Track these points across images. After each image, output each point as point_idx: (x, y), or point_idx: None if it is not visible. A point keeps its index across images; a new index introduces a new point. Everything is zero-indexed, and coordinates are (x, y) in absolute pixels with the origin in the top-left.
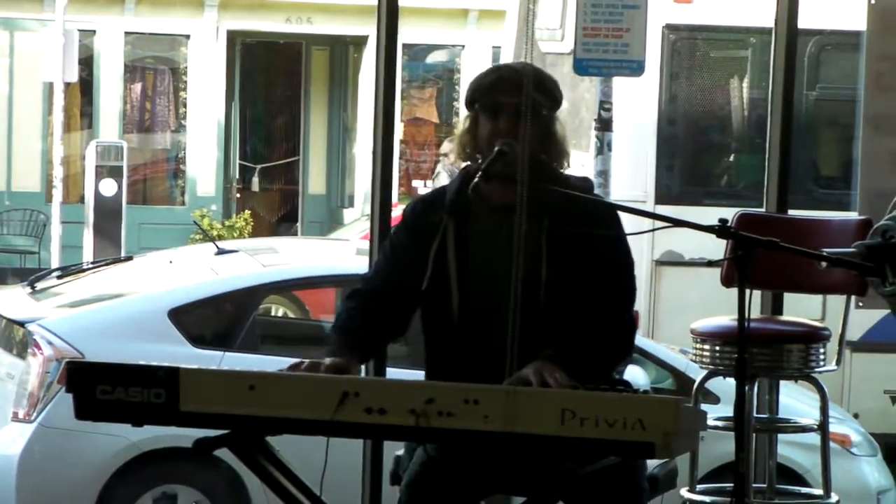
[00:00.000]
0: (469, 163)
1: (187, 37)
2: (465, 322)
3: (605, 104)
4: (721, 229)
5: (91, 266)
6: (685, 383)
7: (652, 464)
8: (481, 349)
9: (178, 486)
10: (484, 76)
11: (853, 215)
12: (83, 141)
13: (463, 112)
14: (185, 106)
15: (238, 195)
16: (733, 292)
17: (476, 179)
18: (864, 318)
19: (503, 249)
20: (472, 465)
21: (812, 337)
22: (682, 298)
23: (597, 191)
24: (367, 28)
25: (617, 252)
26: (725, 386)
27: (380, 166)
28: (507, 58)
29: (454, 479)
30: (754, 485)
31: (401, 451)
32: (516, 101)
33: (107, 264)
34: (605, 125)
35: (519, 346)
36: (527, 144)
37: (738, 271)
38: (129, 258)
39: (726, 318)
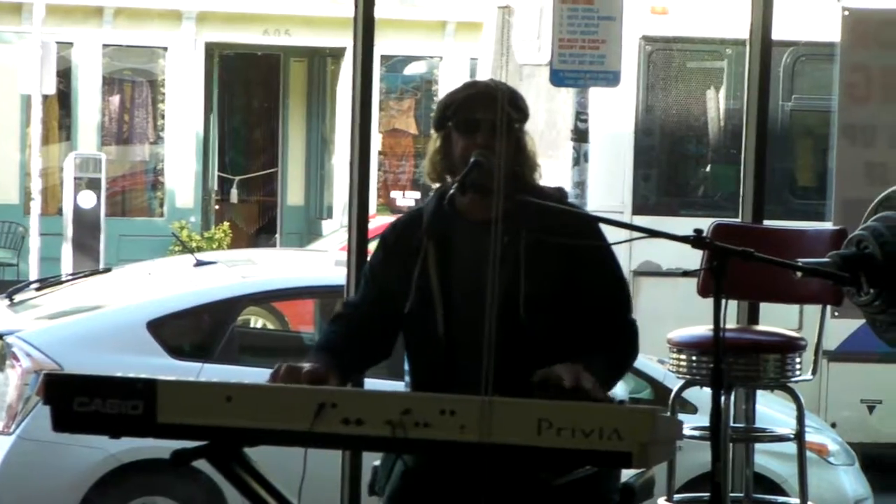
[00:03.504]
0: (441, 184)
1: (165, 49)
2: (451, 341)
3: (581, 115)
4: (696, 239)
5: (70, 278)
6: (663, 393)
7: (628, 474)
8: (468, 367)
9: (157, 498)
10: (455, 94)
11: (828, 225)
12: (61, 153)
13: None
14: (163, 118)
15: (217, 207)
16: (711, 302)
17: (452, 191)
18: (841, 328)
19: (485, 265)
20: (450, 476)
21: (788, 346)
22: (659, 308)
23: (574, 202)
24: (345, 40)
25: (606, 259)
26: (703, 395)
27: (357, 177)
28: (484, 69)
29: (433, 491)
30: (732, 494)
31: (378, 462)
32: (491, 117)
33: (85, 276)
34: (581, 136)
35: (503, 362)
36: (503, 159)
37: (713, 281)
38: (107, 270)
39: (703, 328)
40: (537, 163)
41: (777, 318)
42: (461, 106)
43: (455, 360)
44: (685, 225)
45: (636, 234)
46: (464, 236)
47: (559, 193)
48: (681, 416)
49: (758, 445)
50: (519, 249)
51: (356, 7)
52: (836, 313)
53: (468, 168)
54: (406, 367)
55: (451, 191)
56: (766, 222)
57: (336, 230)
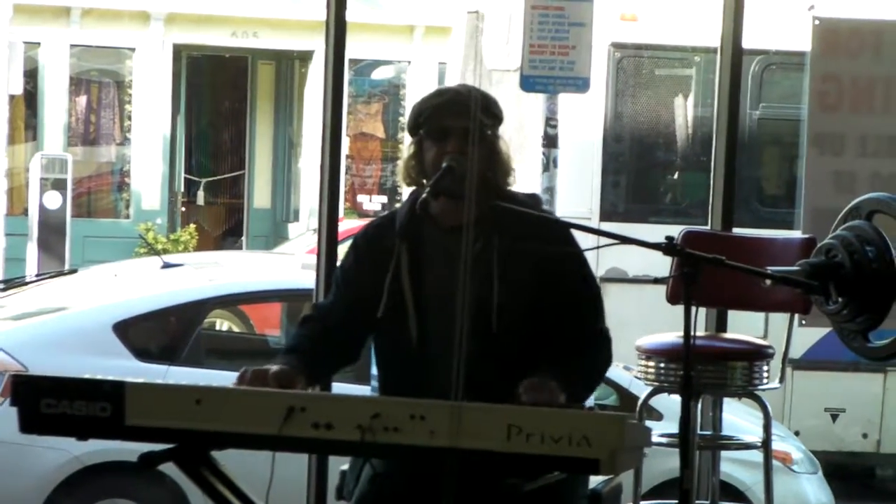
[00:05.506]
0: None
1: (133, 50)
2: (424, 348)
3: (550, 121)
4: (668, 247)
5: (35, 279)
6: (628, 400)
7: (596, 480)
8: (439, 373)
9: (121, 501)
10: (427, 101)
11: (797, 234)
12: (27, 153)
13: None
14: (130, 119)
15: (183, 209)
16: (677, 309)
17: (424, 195)
18: (806, 337)
19: (457, 272)
20: (419, 481)
21: (756, 354)
22: (625, 315)
23: (544, 207)
24: (313, 42)
25: (577, 265)
26: (669, 402)
27: (327, 180)
28: (453, 74)
29: (401, 495)
30: (697, 501)
31: (346, 466)
32: (463, 125)
33: (51, 277)
34: (550, 142)
35: (474, 369)
36: (475, 167)
37: (684, 288)
38: (73, 271)
39: (672, 335)
40: (512, 168)
41: (742, 326)
42: (432, 114)
43: (426, 366)
44: (654, 232)
45: (606, 241)
46: (436, 242)
47: (533, 200)
48: (647, 423)
49: (722, 453)
50: (492, 256)
51: (328, 9)
52: (804, 322)
53: (440, 173)
54: (373, 371)
55: (424, 195)
56: (735, 230)
57: (302, 233)
